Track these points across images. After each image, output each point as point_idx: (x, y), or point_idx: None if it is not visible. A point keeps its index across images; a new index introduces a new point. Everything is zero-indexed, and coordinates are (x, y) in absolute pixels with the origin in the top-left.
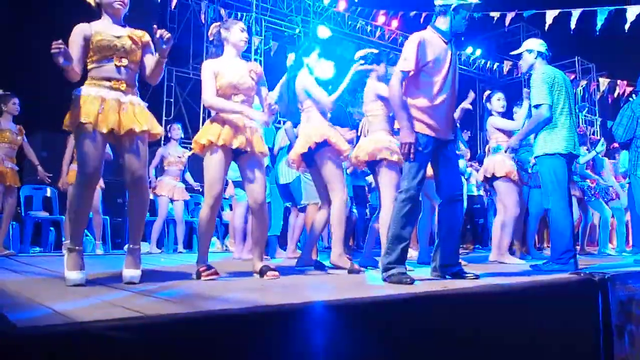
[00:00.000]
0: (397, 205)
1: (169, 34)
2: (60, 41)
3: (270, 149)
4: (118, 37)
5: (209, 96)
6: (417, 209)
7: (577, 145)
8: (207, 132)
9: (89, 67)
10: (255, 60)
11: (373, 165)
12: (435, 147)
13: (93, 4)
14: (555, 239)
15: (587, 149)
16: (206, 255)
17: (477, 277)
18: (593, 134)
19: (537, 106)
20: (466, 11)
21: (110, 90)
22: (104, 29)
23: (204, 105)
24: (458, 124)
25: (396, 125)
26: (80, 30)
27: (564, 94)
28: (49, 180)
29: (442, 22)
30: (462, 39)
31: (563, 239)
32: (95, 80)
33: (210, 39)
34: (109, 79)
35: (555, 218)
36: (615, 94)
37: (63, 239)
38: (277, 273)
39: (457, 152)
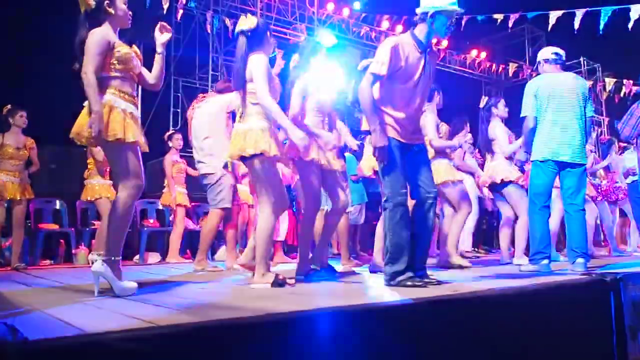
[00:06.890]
0: (388, 214)
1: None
2: None
3: None
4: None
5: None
6: (407, 212)
7: (559, 151)
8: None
9: (112, 74)
10: None
11: None
12: (403, 151)
13: (86, 7)
14: (530, 241)
15: (590, 150)
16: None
17: (439, 283)
18: (601, 134)
19: (523, 118)
20: (446, 18)
21: (134, 106)
22: (120, 42)
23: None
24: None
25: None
26: (105, 37)
27: (546, 102)
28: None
29: (420, 30)
30: (467, 43)
31: (534, 241)
32: (121, 93)
33: None
34: (131, 95)
35: (529, 222)
36: (622, 94)
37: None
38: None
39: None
